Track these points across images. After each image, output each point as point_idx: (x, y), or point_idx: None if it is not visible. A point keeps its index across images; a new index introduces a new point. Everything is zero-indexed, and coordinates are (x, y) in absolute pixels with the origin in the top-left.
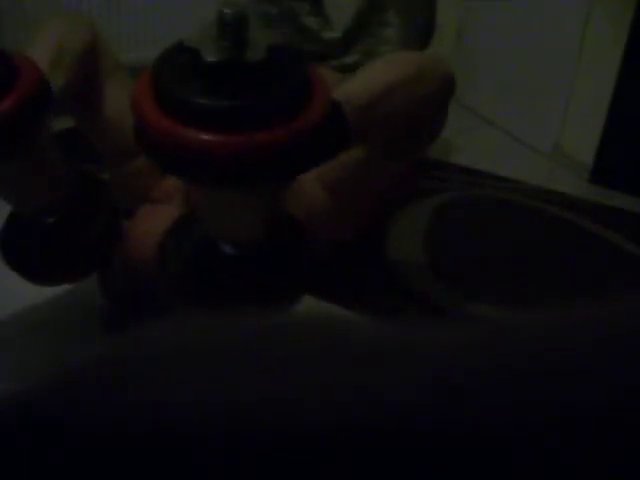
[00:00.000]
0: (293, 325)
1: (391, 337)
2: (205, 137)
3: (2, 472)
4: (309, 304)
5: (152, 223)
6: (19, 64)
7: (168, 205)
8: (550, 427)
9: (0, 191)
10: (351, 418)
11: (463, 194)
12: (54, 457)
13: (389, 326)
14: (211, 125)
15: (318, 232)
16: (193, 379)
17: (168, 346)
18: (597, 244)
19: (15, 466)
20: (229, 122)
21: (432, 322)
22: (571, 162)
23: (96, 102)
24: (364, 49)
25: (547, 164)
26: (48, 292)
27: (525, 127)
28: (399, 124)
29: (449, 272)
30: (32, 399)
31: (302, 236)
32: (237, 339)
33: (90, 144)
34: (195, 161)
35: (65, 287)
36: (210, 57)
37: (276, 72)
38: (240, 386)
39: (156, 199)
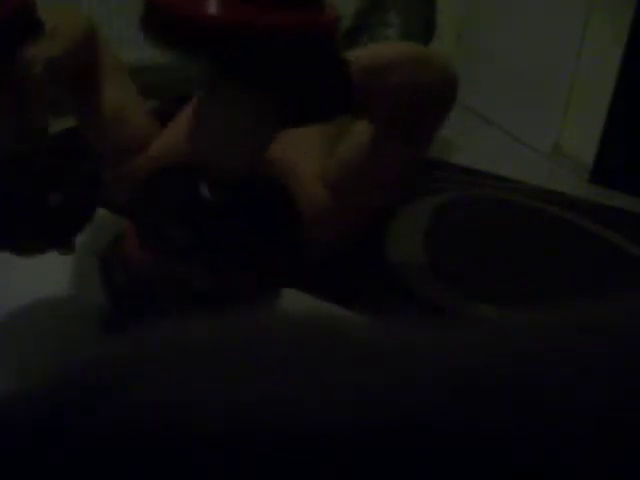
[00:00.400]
0: (293, 325)
1: (391, 337)
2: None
3: (2, 472)
4: (309, 304)
5: None
6: None
7: None
8: (550, 427)
9: None
10: (351, 418)
11: (463, 194)
12: (54, 457)
13: (389, 326)
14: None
15: (319, 230)
16: (193, 379)
17: (169, 346)
18: (597, 244)
19: (15, 466)
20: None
21: (432, 322)
22: (571, 162)
23: (96, 100)
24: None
25: (547, 164)
26: (48, 292)
27: (525, 127)
28: (401, 100)
29: (449, 272)
30: (32, 399)
31: (284, 199)
32: (238, 339)
33: (90, 144)
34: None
35: (65, 287)
36: None
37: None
38: (240, 386)
39: None
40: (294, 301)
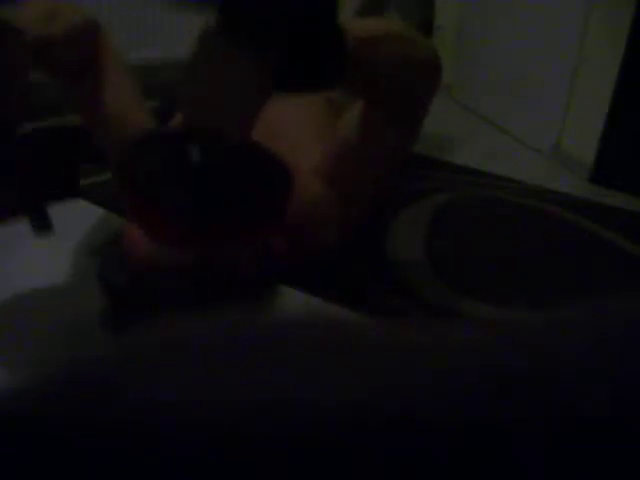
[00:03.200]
0: (293, 325)
1: (391, 337)
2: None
3: (3, 471)
4: (309, 304)
5: None
6: None
7: None
8: (551, 426)
9: None
10: (351, 417)
11: (463, 194)
12: (54, 456)
13: (389, 326)
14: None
15: (320, 223)
16: (193, 379)
17: (168, 346)
18: (597, 244)
19: (16, 465)
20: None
21: (432, 322)
22: (571, 162)
23: (96, 97)
24: None
25: (547, 164)
26: (48, 292)
27: (525, 127)
28: (390, 71)
29: (449, 272)
30: (32, 399)
31: (274, 163)
32: (238, 339)
33: (90, 143)
34: None
35: (65, 287)
36: None
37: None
38: (241, 386)
39: None
40: (294, 301)
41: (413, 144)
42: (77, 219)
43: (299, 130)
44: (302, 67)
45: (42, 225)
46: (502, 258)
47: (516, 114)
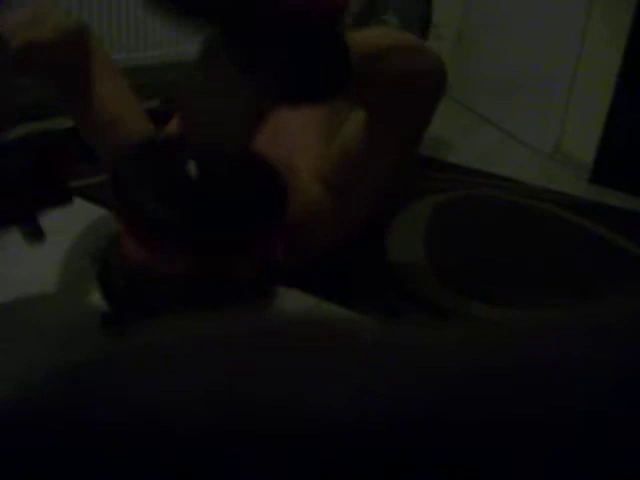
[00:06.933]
0: (293, 325)
1: (391, 337)
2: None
3: (4, 470)
4: (309, 304)
5: None
6: None
7: None
8: (551, 426)
9: None
10: (350, 417)
11: (463, 194)
12: (54, 456)
13: (389, 326)
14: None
15: (319, 228)
16: (193, 379)
17: (169, 346)
18: (597, 244)
19: (15, 465)
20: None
21: (432, 322)
22: (571, 162)
23: (89, 102)
24: None
25: (547, 164)
26: (48, 292)
27: (525, 127)
28: (394, 85)
29: (449, 272)
30: (31, 400)
31: (275, 182)
32: (238, 339)
33: (89, 144)
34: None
35: (65, 287)
36: None
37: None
38: (240, 385)
39: None
40: (294, 301)
41: (416, 152)
42: (77, 219)
43: (301, 133)
44: (304, 82)
45: (33, 233)
46: (502, 258)
47: (516, 114)
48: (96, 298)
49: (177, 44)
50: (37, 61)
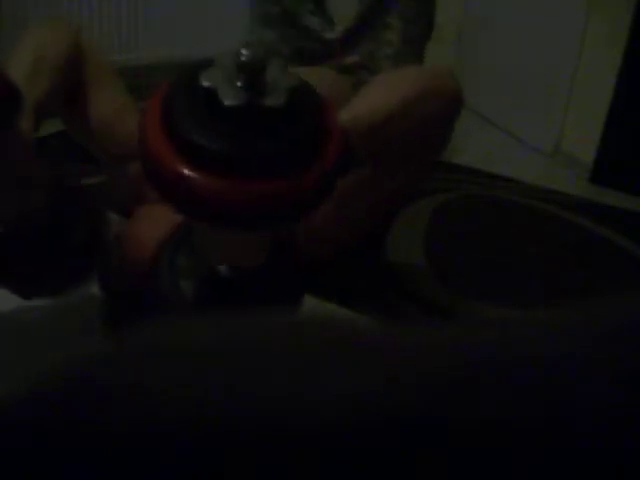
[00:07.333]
0: (293, 325)
1: (391, 337)
2: (220, 183)
3: (4, 470)
4: (309, 304)
5: (151, 223)
6: None
7: (168, 206)
8: (551, 426)
9: None
10: (351, 416)
11: (463, 194)
12: (54, 456)
13: (389, 326)
14: (227, 171)
15: (317, 239)
16: (193, 379)
17: (169, 346)
18: (597, 244)
19: (15, 465)
20: (244, 169)
21: (432, 322)
22: (571, 162)
23: (84, 109)
24: (365, 51)
25: (547, 164)
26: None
27: (525, 127)
28: (402, 145)
29: (449, 272)
30: (31, 400)
31: (298, 256)
32: (238, 338)
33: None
34: (208, 206)
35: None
36: (228, 100)
37: (293, 118)
38: (240, 384)
39: (157, 200)
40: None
41: (424, 179)
42: None
43: None
44: (315, 202)
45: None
46: (502, 258)
47: (516, 114)
48: (97, 296)
49: (175, 44)
50: (44, 110)
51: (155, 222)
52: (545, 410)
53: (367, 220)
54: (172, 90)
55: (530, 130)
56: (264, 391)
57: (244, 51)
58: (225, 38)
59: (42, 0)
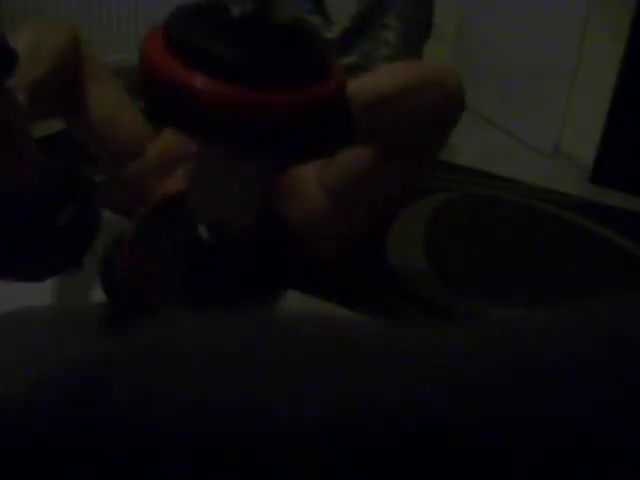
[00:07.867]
0: (293, 325)
1: (390, 337)
2: (221, 89)
3: (4, 470)
4: (309, 304)
5: (154, 166)
6: None
7: None
8: (551, 426)
9: None
10: (350, 416)
11: (463, 194)
12: (53, 456)
13: (389, 326)
14: (227, 77)
15: (317, 235)
16: (193, 379)
17: (169, 346)
18: (597, 244)
19: (15, 465)
20: (246, 77)
21: (432, 322)
22: (571, 162)
23: (84, 108)
24: (363, 50)
25: (547, 164)
26: (47, 291)
27: (525, 127)
28: (403, 129)
29: (449, 272)
30: (30, 400)
31: (286, 234)
32: (238, 338)
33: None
34: (207, 116)
35: (65, 287)
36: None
37: (299, 39)
38: (238, 385)
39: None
40: (294, 301)
41: (426, 171)
42: None
43: None
44: (310, 134)
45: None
46: (502, 258)
47: (516, 114)
48: (97, 296)
49: None
50: (42, 95)
51: (156, 166)
52: (545, 410)
53: (367, 217)
54: (177, 11)
55: (530, 130)
56: (264, 391)
57: None
58: None
59: (42, 0)
